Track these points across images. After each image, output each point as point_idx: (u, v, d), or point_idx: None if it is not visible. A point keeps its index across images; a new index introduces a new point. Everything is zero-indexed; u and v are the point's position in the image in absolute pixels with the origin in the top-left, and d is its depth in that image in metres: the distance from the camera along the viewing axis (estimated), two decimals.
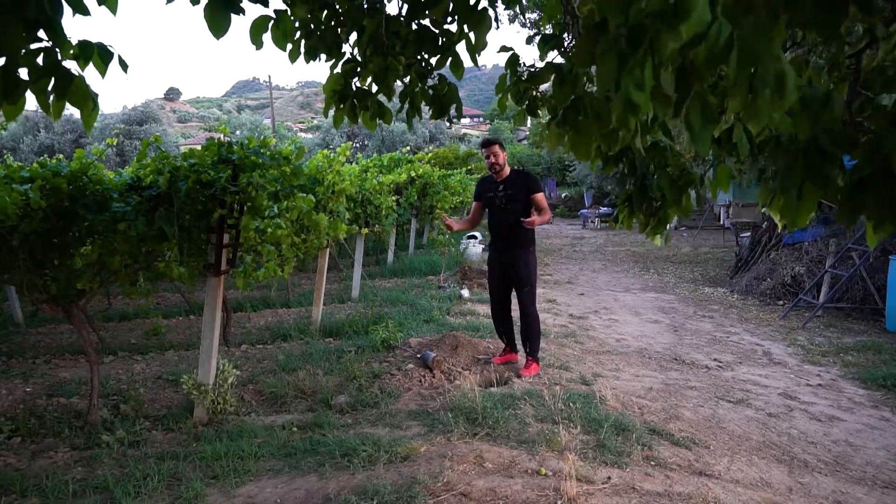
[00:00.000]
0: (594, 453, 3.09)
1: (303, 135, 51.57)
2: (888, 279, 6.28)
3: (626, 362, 5.07)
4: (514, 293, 4.55)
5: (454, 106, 2.10)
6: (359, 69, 2.03)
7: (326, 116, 2.12)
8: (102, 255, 3.43)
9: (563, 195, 27.85)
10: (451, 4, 1.87)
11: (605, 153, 1.86)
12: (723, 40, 0.95)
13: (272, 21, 1.83)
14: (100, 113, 1.47)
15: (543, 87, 2.04)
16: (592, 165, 1.98)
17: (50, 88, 1.30)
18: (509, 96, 1.98)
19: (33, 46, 1.26)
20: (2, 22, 1.15)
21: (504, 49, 1.92)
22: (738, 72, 0.95)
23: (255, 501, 2.70)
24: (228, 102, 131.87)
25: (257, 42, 1.80)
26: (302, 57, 1.95)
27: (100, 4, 1.37)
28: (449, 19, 1.94)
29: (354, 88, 2.08)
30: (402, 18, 1.94)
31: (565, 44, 1.87)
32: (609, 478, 2.83)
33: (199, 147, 3.50)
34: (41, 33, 1.25)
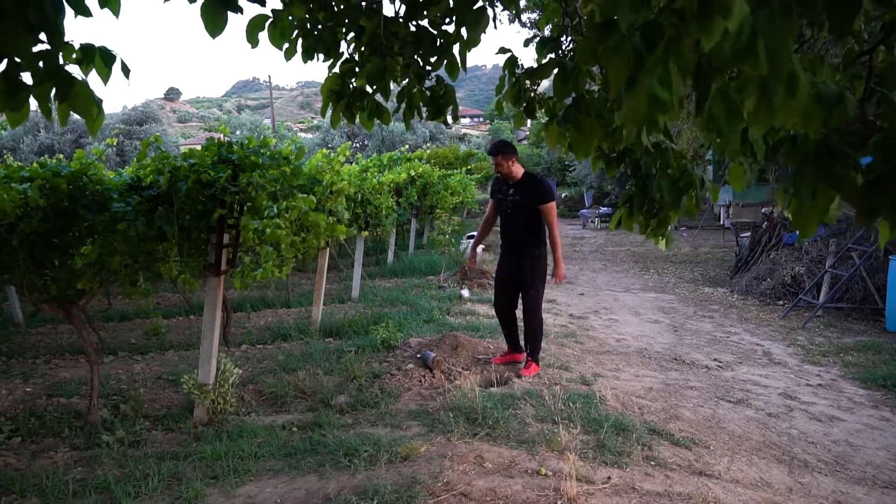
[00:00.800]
0: (594, 453, 3.09)
1: (303, 135, 51.54)
2: (888, 279, 6.28)
3: (626, 362, 5.07)
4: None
5: (451, 108, 2.10)
6: (357, 69, 2.03)
7: (324, 116, 2.12)
8: (102, 255, 3.43)
9: (563, 195, 27.86)
10: (451, 3, 1.87)
11: (608, 154, 1.86)
12: (746, 35, 0.94)
13: (269, 20, 1.83)
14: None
15: (542, 88, 2.04)
16: (595, 166, 1.97)
17: (52, 94, 1.30)
18: (506, 98, 1.98)
19: (35, 49, 1.26)
20: (3, 24, 1.15)
21: (503, 50, 1.92)
22: (767, 67, 0.93)
23: (255, 501, 2.70)
24: (228, 102, 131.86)
25: (253, 41, 1.80)
26: (300, 57, 1.95)
27: (102, 7, 1.37)
28: (447, 19, 1.94)
29: (352, 89, 2.08)
30: (400, 19, 1.94)
31: (563, 46, 1.87)
32: (609, 478, 2.83)
33: (199, 147, 3.50)
34: (42, 36, 1.25)
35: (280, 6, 1.87)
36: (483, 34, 1.88)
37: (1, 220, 3.06)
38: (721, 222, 17.29)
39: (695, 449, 3.30)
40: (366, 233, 7.52)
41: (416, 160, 10.26)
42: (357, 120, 2.11)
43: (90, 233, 3.44)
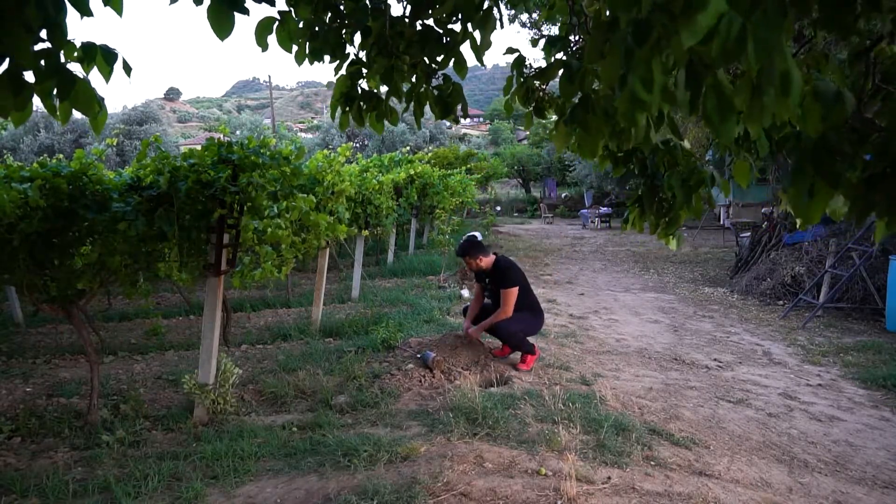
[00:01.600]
0: (594, 453, 3.09)
1: (303, 135, 51.55)
2: (888, 279, 6.28)
3: (626, 362, 5.07)
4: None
5: (460, 105, 2.10)
6: (364, 70, 2.03)
7: (333, 119, 2.12)
8: (102, 255, 3.43)
9: (563, 195, 27.87)
10: (456, 4, 1.87)
11: (615, 154, 1.85)
12: (735, 33, 0.94)
13: (277, 22, 1.83)
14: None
15: (551, 87, 2.04)
16: (602, 166, 1.97)
17: (54, 92, 1.30)
18: (516, 98, 1.97)
19: (37, 48, 1.25)
20: (5, 23, 1.15)
21: (510, 50, 1.92)
22: (756, 65, 0.94)
23: (255, 501, 2.70)
24: (228, 102, 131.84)
25: (262, 43, 1.80)
26: (306, 58, 1.95)
27: (105, 5, 1.37)
28: (453, 19, 1.94)
29: (360, 91, 2.07)
30: (406, 19, 1.94)
31: (571, 45, 1.87)
32: (609, 478, 2.83)
33: (199, 147, 3.50)
34: (43, 34, 1.25)
35: (285, 7, 1.87)
36: (492, 34, 1.88)
37: (1, 220, 3.06)
38: (721, 222, 17.29)
39: (695, 449, 3.30)
40: (366, 232, 7.51)
41: (417, 161, 10.26)
42: (367, 122, 2.11)
43: (90, 233, 3.44)
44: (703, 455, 3.23)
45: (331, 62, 2.00)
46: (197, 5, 1.55)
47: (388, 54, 1.92)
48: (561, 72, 1.60)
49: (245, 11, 1.54)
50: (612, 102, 1.49)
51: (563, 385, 4.18)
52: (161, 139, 4.17)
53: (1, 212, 3.02)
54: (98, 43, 1.41)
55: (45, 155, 4.51)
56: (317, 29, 1.93)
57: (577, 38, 1.94)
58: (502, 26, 1.98)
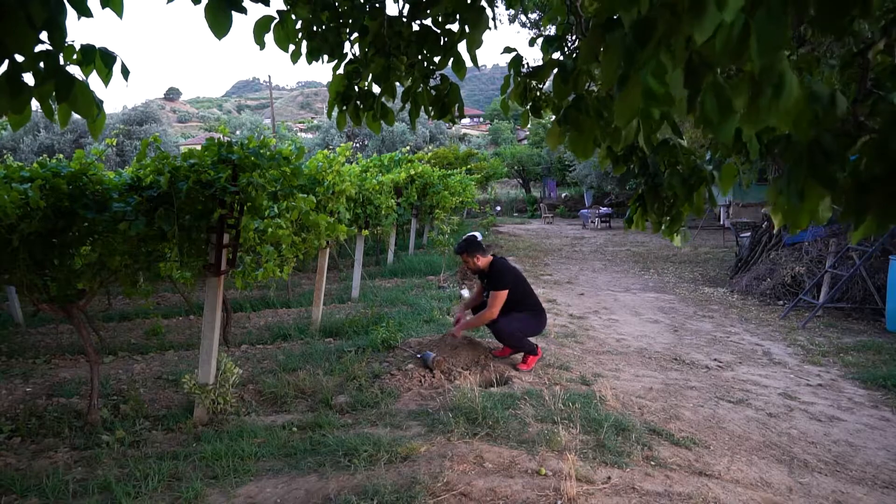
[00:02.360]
0: (594, 453, 3.09)
1: (303, 135, 51.59)
2: (888, 279, 6.28)
3: (626, 362, 5.07)
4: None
5: (456, 106, 2.10)
6: (361, 69, 2.03)
7: (330, 118, 2.12)
8: (102, 255, 3.43)
9: (563, 195, 27.87)
10: (451, 3, 1.87)
11: (615, 153, 1.85)
12: (738, 31, 0.94)
13: (275, 22, 1.83)
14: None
15: (548, 86, 2.04)
16: (602, 165, 1.97)
17: (53, 95, 1.30)
18: (513, 97, 1.98)
19: (36, 50, 1.25)
20: (8, 22, 1.15)
21: (508, 50, 1.92)
22: (758, 64, 0.93)
23: (255, 501, 2.70)
24: (228, 102, 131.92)
25: (260, 42, 1.80)
26: (304, 57, 1.95)
27: (104, 7, 1.37)
28: (450, 18, 1.94)
29: (357, 90, 2.07)
30: (403, 18, 1.94)
31: (568, 45, 1.87)
32: (609, 478, 2.83)
33: (199, 147, 3.50)
34: (43, 35, 1.25)
35: (283, 7, 1.87)
36: (485, 33, 1.88)
37: (1, 220, 3.06)
38: (721, 222, 17.29)
39: (695, 449, 3.30)
40: (366, 232, 7.51)
41: (417, 161, 10.27)
42: (363, 121, 2.11)
43: (90, 233, 3.44)
44: (703, 455, 3.23)
45: (329, 61, 2.00)
46: (195, 4, 1.55)
47: (385, 54, 1.93)
48: (555, 72, 1.60)
49: (242, 10, 1.54)
50: (605, 104, 1.49)
51: (563, 385, 4.18)
52: (161, 139, 4.17)
53: (1, 212, 3.02)
54: (97, 45, 1.41)
55: (45, 155, 4.51)
56: (315, 28, 1.93)
57: (574, 37, 1.94)
58: (495, 26, 1.98)
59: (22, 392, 4.30)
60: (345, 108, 2.07)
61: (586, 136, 1.54)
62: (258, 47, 1.80)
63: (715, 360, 5.26)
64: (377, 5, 1.92)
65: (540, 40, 1.99)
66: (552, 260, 12.15)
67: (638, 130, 1.46)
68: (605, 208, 20.28)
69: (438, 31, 1.96)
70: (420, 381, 4.23)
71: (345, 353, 4.84)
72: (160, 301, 7.94)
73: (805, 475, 3.11)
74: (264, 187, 3.54)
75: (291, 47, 1.89)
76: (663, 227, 1.88)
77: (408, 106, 2.10)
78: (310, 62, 1.96)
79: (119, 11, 1.41)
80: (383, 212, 7.69)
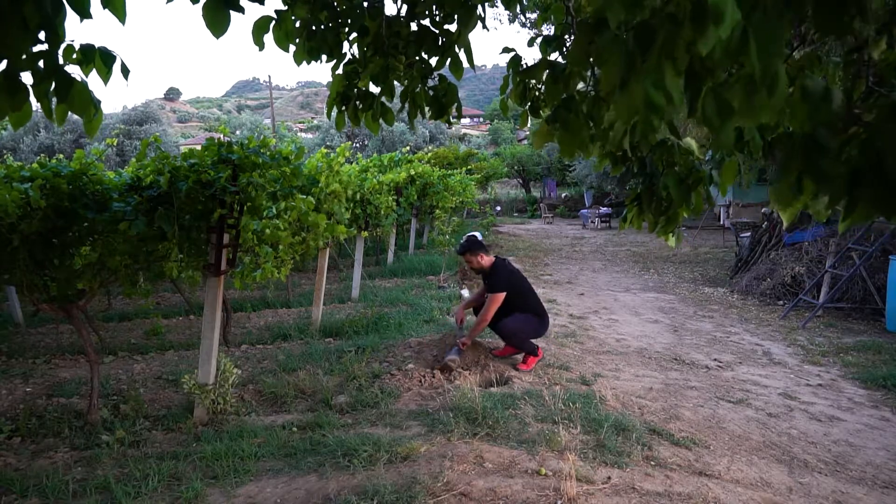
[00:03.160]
0: (594, 453, 3.09)
1: (303, 135, 51.61)
2: (888, 279, 6.28)
3: (626, 362, 5.07)
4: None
5: (454, 106, 2.10)
6: (360, 70, 2.03)
7: (329, 118, 2.12)
8: (102, 255, 3.43)
9: (563, 195, 27.87)
10: (449, 2, 1.87)
11: (613, 153, 1.85)
12: (737, 34, 0.94)
13: (273, 21, 1.83)
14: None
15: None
16: (600, 165, 1.97)
17: (51, 91, 1.30)
18: (512, 97, 1.98)
19: (35, 49, 1.25)
20: (2, 25, 1.15)
21: (506, 50, 1.92)
22: (758, 66, 0.94)
23: (255, 501, 2.70)
24: (228, 102, 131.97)
25: (259, 42, 1.80)
26: (303, 57, 1.95)
27: (104, 7, 1.37)
28: (448, 19, 1.94)
29: (356, 90, 2.08)
30: (401, 18, 1.94)
31: (567, 45, 1.87)
32: (609, 478, 2.83)
33: (199, 147, 3.50)
34: (41, 35, 1.25)
35: (282, 7, 1.87)
36: (473, 31, 1.89)
37: (2, 220, 3.06)
38: (721, 222, 17.29)
39: (695, 449, 3.30)
40: (365, 233, 7.51)
41: (417, 161, 10.27)
42: (362, 122, 2.11)
43: (90, 233, 3.44)
44: (703, 455, 3.23)
45: (328, 61, 2.00)
46: (193, 3, 1.55)
47: (384, 54, 1.93)
48: (546, 72, 1.60)
49: (240, 10, 1.54)
50: (596, 105, 1.50)
51: (563, 385, 4.18)
52: (161, 139, 4.18)
53: (2, 211, 3.02)
54: (97, 45, 1.41)
55: (44, 155, 4.51)
56: (314, 28, 1.93)
57: (572, 37, 1.94)
58: (485, 26, 1.98)
59: (22, 392, 4.30)
60: (344, 108, 2.07)
61: (575, 137, 1.55)
62: (257, 47, 1.80)
63: (715, 360, 5.26)
64: (376, 5, 1.92)
65: (539, 40, 1.99)
66: (552, 260, 12.15)
67: (625, 134, 1.46)
68: (605, 208, 20.27)
69: (437, 32, 1.97)
70: (420, 381, 4.23)
71: (345, 353, 4.84)
72: (160, 301, 7.94)
73: (805, 475, 3.11)
74: (264, 187, 3.54)
75: (292, 47, 1.89)
76: (658, 228, 1.88)
77: (407, 106, 2.11)
78: (309, 62, 1.96)
79: (122, 18, 1.40)
80: (383, 212, 7.68)
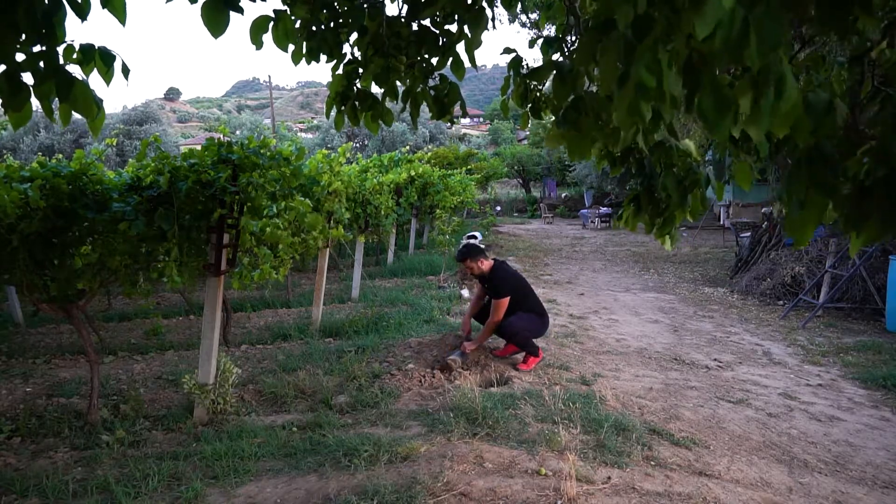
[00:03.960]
0: (594, 453, 3.09)
1: (303, 135, 51.62)
2: (888, 279, 6.28)
3: (626, 362, 5.06)
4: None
5: (456, 106, 2.10)
6: (360, 70, 2.03)
7: (328, 118, 2.12)
8: (102, 255, 3.43)
9: (563, 195, 27.87)
10: (449, 3, 1.87)
11: (612, 154, 1.85)
12: (738, 27, 0.93)
13: (272, 21, 1.83)
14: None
15: (548, 87, 2.04)
16: (599, 165, 1.97)
17: (53, 94, 1.29)
18: (513, 99, 1.97)
19: (35, 50, 1.25)
20: None
21: (507, 51, 1.92)
22: (758, 61, 0.93)
23: (255, 501, 2.70)
24: (228, 102, 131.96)
25: (257, 42, 1.80)
26: (303, 57, 1.95)
27: (103, 7, 1.37)
28: (448, 19, 1.94)
29: (356, 90, 2.07)
30: (402, 19, 1.94)
31: (568, 45, 1.87)
32: (609, 478, 2.83)
33: (199, 147, 3.50)
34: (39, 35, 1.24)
35: (281, 7, 1.87)
36: (484, 33, 1.88)
37: (1, 220, 3.06)
38: (721, 222, 17.30)
39: (695, 449, 3.30)
40: (362, 237, 7.51)
41: (417, 161, 10.27)
42: (361, 122, 2.10)
43: (90, 233, 3.44)
44: (703, 455, 3.23)
45: (328, 61, 2.00)
46: (192, 3, 1.55)
47: (384, 54, 1.92)
48: (553, 73, 1.60)
49: (239, 10, 1.53)
50: (604, 105, 1.49)
51: (563, 385, 4.18)
52: (161, 139, 4.18)
53: (1, 212, 3.02)
54: (97, 45, 1.41)
55: (41, 154, 4.51)
56: (314, 28, 1.92)
57: (573, 38, 1.94)
58: (494, 26, 1.98)
59: (22, 392, 4.30)
60: (343, 108, 2.06)
61: (585, 138, 1.54)
62: (255, 47, 1.80)
63: (715, 360, 5.26)
64: (376, 5, 1.92)
65: (540, 41, 1.99)
66: (552, 260, 12.15)
67: (637, 131, 1.46)
68: (605, 208, 20.27)
69: (437, 32, 1.96)
70: (420, 381, 4.23)
71: (345, 353, 4.84)
72: (160, 301, 7.94)
73: (805, 475, 3.11)
74: (264, 187, 3.54)
75: (291, 47, 1.89)
76: (655, 229, 1.88)
77: (408, 107, 2.10)
78: (308, 62, 1.96)
79: (122, 19, 1.40)
80: (383, 212, 7.68)
